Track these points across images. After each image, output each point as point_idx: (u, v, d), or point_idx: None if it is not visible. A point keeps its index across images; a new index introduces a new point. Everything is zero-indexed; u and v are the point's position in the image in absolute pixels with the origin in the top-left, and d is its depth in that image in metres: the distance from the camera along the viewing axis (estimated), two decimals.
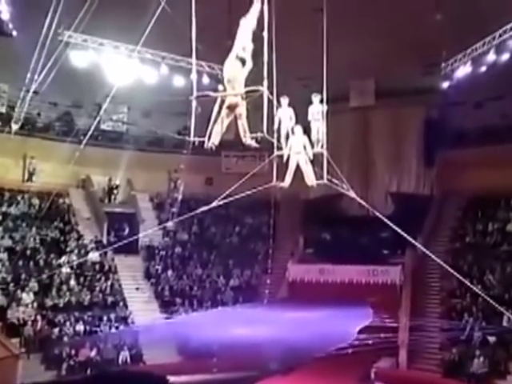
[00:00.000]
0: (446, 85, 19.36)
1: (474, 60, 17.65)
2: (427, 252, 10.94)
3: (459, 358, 17.37)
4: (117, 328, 18.87)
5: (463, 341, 17.72)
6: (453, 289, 19.25)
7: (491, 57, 16.99)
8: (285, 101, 9.95)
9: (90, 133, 16.47)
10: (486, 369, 16.53)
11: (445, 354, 17.85)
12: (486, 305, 15.89)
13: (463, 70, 18.17)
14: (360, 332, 17.89)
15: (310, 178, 9.85)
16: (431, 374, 17.71)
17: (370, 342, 17.84)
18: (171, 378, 15.80)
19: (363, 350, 17.54)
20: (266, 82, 6.87)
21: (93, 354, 17.56)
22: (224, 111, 6.89)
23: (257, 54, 7.01)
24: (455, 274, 10.85)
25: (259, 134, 7.10)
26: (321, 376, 16.71)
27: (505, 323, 16.94)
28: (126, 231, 22.32)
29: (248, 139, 6.91)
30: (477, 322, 17.78)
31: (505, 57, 16.73)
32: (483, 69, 17.54)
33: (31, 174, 21.77)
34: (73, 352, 17.24)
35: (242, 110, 6.81)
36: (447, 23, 15.52)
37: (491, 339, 17.21)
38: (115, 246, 16.60)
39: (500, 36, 16.44)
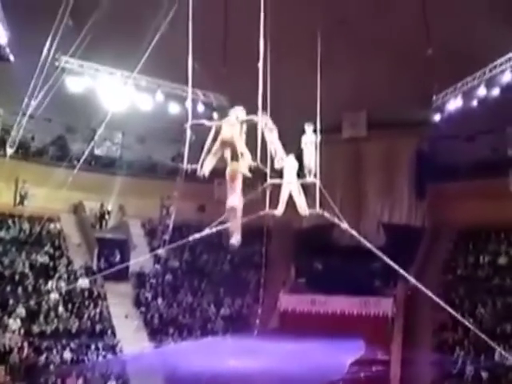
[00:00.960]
0: (437, 118, 19.63)
1: (465, 94, 17.95)
2: (418, 285, 10.88)
3: None
4: (104, 357, 18.53)
5: (455, 375, 17.55)
6: (445, 322, 19.13)
7: (482, 91, 17.29)
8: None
9: (83, 158, 16.49)
10: None
11: None
12: (478, 339, 15.75)
13: (454, 104, 18.46)
14: (352, 365, 17.67)
15: (303, 208, 9.86)
16: None
17: (362, 375, 17.62)
18: None
19: (355, 383, 17.32)
20: (260, 112, 6.93)
21: (79, 382, 17.18)
22: (218, 142, 6.93)
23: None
24: (447, 307, 10.77)
25: (253, 163, 7.13)
26: None
27: (497, 358, 16.81)
28: (117, 257, 22.12)
29: (244, 169, 6.94)
30: (469, 356, 17.64)
31: (495, 91, 17.02)
32: (474, 103, 17.82)
33: (23, 198, 21.64)
34: (59, 381, 16.87)
35: (238, 143, 6.86)
36: (439, 57, 15.82)
37: (484, 374, 17.06)
38: (105, 272, 16.44)
39: (490, 71, 16.75)
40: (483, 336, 11.28)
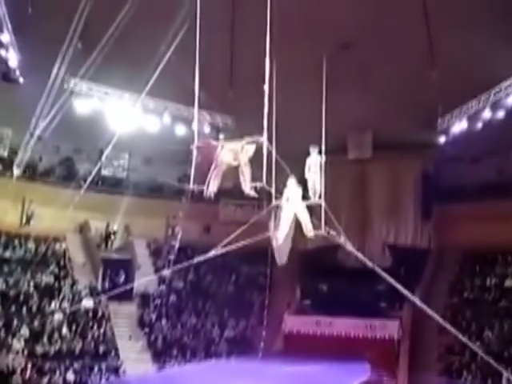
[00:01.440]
0: (442, 140, 19.69)
1: (470, 116, 18.03)
2: (425, 307, 10.82)
3: None
4: (108, 378, 18.38)
5: None
6: (451, 345, 18.92)
7: (487, 114, 17.37)
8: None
9: (90, 178, 16.60)
10: None
11: None
12: (485, 362, 15.56)
13: (459, 126, 18.53)
14: None
15: (308, 229, 9.87)
16: None
17: None
18: None
19: None
20: (265, 133, 7.00)
21: None
22: (221, 163, 6.99)
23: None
24: (453, 330, 10.69)
25: (258, 184, 7.18)
26: None
27: (504, 382, 16.57)
28: (122, 278, 22.10)
29: (248, 189, 6.99)
30: (476, 380, 17.40)
31: (500, 114, 17.10)
32: (479, 125, 17.89)
33: (29, 218, 21.74)
34: None
35: (242, 166, 6.93)
36: (443, 80, 15.94)
37: None
38: (110, 293, 16.41)
39: (495, 94, 16.85)
40: (490, 360, 11.16)
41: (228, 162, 6.85)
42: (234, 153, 6.91)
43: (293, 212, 9.82)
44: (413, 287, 14.92)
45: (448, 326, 10.67)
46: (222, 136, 19.23)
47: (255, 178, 7.38)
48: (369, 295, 21.26)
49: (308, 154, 10.85)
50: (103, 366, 18.73)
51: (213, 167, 6.91)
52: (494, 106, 17.07)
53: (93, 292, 21.16)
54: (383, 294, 20.11)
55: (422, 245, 22.99)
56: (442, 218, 22.30)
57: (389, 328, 20.26)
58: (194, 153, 7.46)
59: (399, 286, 9.36)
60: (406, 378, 18.83)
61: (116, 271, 22.37)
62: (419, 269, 21.66)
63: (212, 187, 6.91)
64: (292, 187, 9.84)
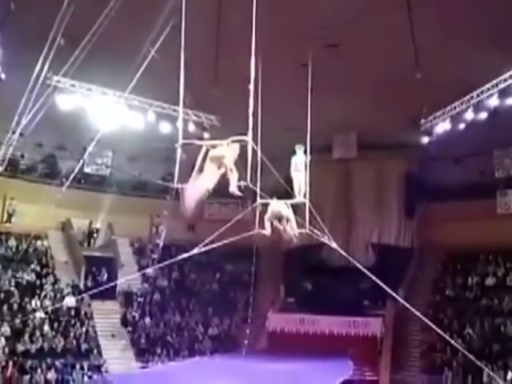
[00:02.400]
0: (426, 140, 19.87)
1: (453, 117, 18.21)
2: (407, 305, 10.94)
3: None
4: (90, 377, 18.26)
5: None
6: (433, 342, 19.15)
7: (469, 115, 17.56)
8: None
9: (72, 175, 16.44)
10: None
11: None
12: (467, 359, 15.78)
13: (442, 127, 18.71)
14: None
15: (293, 227, 9.91)
16: None
17: None
18: None
19: None
20: (250, 133, 6.99)
21: None
22: (208, 161, 6.95)
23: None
24: (435, 328, 10.82)
25: (243, 183, 7.17)
26: None
27: (485, 378, 16.82)
28: (105, 276, 21.97)
29: (233, 187, 6.96)
30: (457, 377, 17.63)
31: (483, 115, 17.30)
32: (462, 126, 18.09)
33: (10, 216, 21.50)
34: None
35: (227, 160, 6.88)
36: (427, 81, 16.09)
37: None
38: (92, 291, 16.28)
39: (478, 95, 17.05)
40: (471, 357, 11.33)
41: (217, 157, 6.79)
42: (219, 160, 6.86)
43: (277, 209, 9.84)
44: (396, 285, 15.06)
45: (430, 324, 10.79)
46: (206, 135, 19.18)
47: (240, 176, 7.36)
48: (352, 293, 21.42)
49: (293, 153, 10.89)
50: (85, 364, 18.61)
51: (197, 167, 6.86)
52: (477, 107, 17.26)
53: (75, 290, 21.00)
54: (366, 292, 20.27)
55: (405, 243, 23.22)
56: (425, 217, 22.55)
57: (372, 326, 20.43)
58: (179, 151, 7.42)
59: (382, 284, 9.43)
60: (388, 374, 18.98)
61: (99, 269, 22.22)
62: (402, 267, 21.87)
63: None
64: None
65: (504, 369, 16.91)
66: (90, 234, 23.49)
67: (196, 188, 6.73)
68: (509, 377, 16.42)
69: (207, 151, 6.87)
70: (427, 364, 19.12)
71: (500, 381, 15.43)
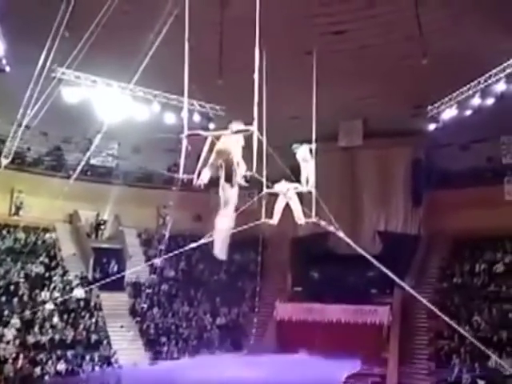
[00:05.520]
0: (432, 127, 19.74)
1: (460, 103, 18.07)
2: (414, 293, 10.91)
3: None
4: (100, 367, 18.42)
5: (452, 383, 17.54)
6: (441, 330, 19.15)
7: (476, 101, 17.41)
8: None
9: (79, 167, 16.48)
10: None
11: None
12: (474, 346, 15.77)
13: (449, 113, 18.58)
14: (348, 377, 17.67)
15: (299, 217, 9.90)
16: None
17: None
18: None
19: None
20: (256, 122, 6.95)
21: None
22: (214, 152, 6.95)
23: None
24: (442, 315, 10.80)
25: (249, 173, 7.15)
26: None
27: (493, 365, 16.82)
28: (113, 267, 22.08)
29: (238, 178, 6.96)
30: (465, 364, 17.65)
31: (490, 101, 17.15)
32: (469, 112, 17.95)
33: (18, 208, 21.61)
34: None
35: (234, 153, 6.87)
36: (434, 68, 15.94)
37: (480, 382, 17.05)
38: (101, 282, 16.36)
39: (485, 81, 16.90)
40: (479, 344, 11.31)
41: (223, 149, 6.79)
42: (225, 155, 6.85)
43: (284, 199, 9.85)
44: (403, 273, 15.02)
45: (437, 311, 10.77)
46: (212, 125, 19.15)
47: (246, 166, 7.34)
48: (359, 281, 21.43)
49: (298, 142, 10.86)
50: (95, 355, 18.77)
51: (203, 157, 6.85)
52: (484, 93, 17.12)
53: (83, 282, 21.13)
54: (373, 280, 20.26)
55: (412, 231, 23.13)
56: (432, 205, 22.43)
57: (379, 314, 20.45)
58: (184, 142, 7.40)
59: (389, 272, 9.41)
60: (396, 362, 19.04)
61: (107, 261, 22.34)
62: (409, 255, 21.83)
63: (202, 177, 6.87)
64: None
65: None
66: (98, 226, 23.58)
67: (220, 231, 6.86)
68: None
69: (213, 142, 6.85)
70: (434, 352, 19.14)
71: (508, 368, 15.40)
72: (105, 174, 23.98)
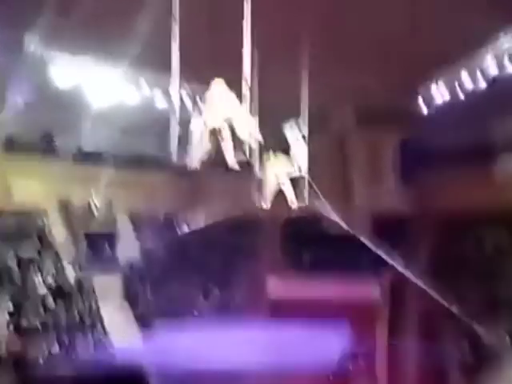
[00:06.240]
0: (423, 107, 19.79)
1: (451, 83, 18.10)
2: (404, 272, 11.10)
3: (438, 379, 17.51)
4: (94, 350, 18.54)
5: (441, 361, 17.86)
6: (431, 309, 19.37)
7: (467, 80, 17.45)
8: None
9: (70, 152, 16.40)
10: None
11: (423, 374, 17.97)
12: (465, 325, 16.09)
13: (440, 93, 18.61)
14: (340, 358, 17.99)
15: (292, 201, 9.99)
16: None
17: (350, 367, 17.95)
18: None
19: (343, 373, 17.64)
20: (247, 104, 6.98)
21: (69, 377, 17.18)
22: (206, 133, 6.97)
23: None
24: (433, 293, 11.01)
25: (242, 157, 7.19)
26: None
27: (482, 343, 17.13)
28: (105, 251, 22.10)
29: (231, 161, 7.00)
30: (455, 342, 17.96)
31: (480, 81, 17.19)
32: (460, 92, 18.00)
33: (9, 194, 21.45)
34: (48, 375, 16.86)
35: (225, 133, 6.90)
36: (424, 48, 15.94)
37: (470, 359, 17.41)
38: (93, 266, 16.44)
39: (476, 61, 16.91)
40: (469, 322, 11.54)
41: (215, 127, 6.82)
42: (217, 134, 6.87)
43: (276, 182, 9.92)
44: (393, 253, 15.24)
45: (427, 290, 10.99)
46: (202, 106, 19.05)
47: (237, 149, 7.37)
48: (351, 261, 21.62)
49: (289, 124, 10.88)
50: (89, 338, 18.86)
51: (195, 138, 6.87)
52: (473, 73, 17.16)
53: (76, 266, 21.14)
54: (365, 259, 20.44)
55: (403, 211, 23.34)
56: (422, 185, 22.66)
57: (370, 293, 20.73)
58: (174, 124, 7.42)
59: (380, 252, 9.56)
60: (385, 341, 19.36)
61: (99, 245, 22.32)
62: (400, 235, 22.03)
63: (196, 157, 6.90)
64: (277, 159, 9.92)
65: (501, 333, 17.20)
66: (89, 211, 23.50)
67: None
68: (506, 340, 16.72)
69: (204, 124, 6.88)
70: (425, 330, 19.44)
71: (498, 345, 15.72)
72: (96, 158, 23.76)
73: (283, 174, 9.89)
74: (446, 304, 12.44)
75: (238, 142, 7.26)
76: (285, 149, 10.66)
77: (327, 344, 17.05)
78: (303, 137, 10.64)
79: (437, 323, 18.99)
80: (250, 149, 7.39)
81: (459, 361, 17.63)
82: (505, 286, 19.20)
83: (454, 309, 13.11)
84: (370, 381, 18.76)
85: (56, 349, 17.90)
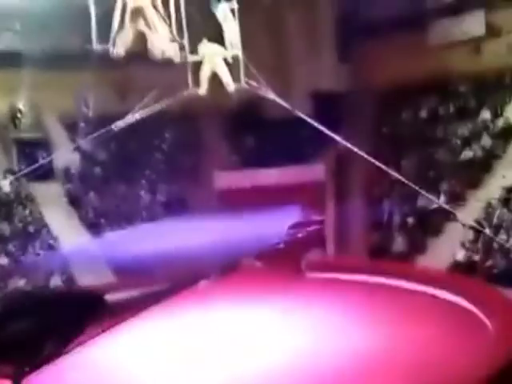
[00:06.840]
0: None
1: None
2: (348, 145, 11.20)
3: (381, 241, 18.71)
4: (43, 255, 18.37)
5: (384, 225, 19.00)
6: (373, 178, 20.11)
7: None
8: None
9: None
10: (406, 248, 17.95)
11: (368, 239, 19.07)
12: (404, 188, 16.87)
13: None
14: (289, 228, 18.79)
15: (228, 82, 9.55)
16: (357, 257, 18.93)
17: (300, 235, 18.83)
18: (108, 297, 15.77)
19: (293, 245, 18.47)
20: None
21: (22, 283, 17.09)
22: (128, 15, 6.27)
23: None
24: (374, 161, 11.27)
25: (171, 42, 6.60)
26: (256, 274, 17.47)
27: (419, 203, 18.18)
28: (38, 156, 21.08)
29: (157, 50, 6.41)
30: (396, 206, 19.00)
31: None
32: None
33: None
34: (1, 284, 16.74)
35: (149, 14, 6.20)
36: None
37: (409, 220, 18.56)
38: (27, 171, 15.74)
39: None
40: (409, 183, 12.05)
41: (139, 6, 6.10)
42: (140, 14, 6.16)
43: (209, 66, 9.39)
44: (336, 129, 15.23)
45: (370, 159, 11.24)
46: None
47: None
48: (294, 143, 21.77)
49: (220, 2, 10.11)
50: (36, 244, 18.60)
51: (116, 20, 6.18)
52: None
53: (9, 174, 20.24)
54: (307, 140, 20.60)
55: (343, 87, 23.25)
56: (360, 59, 22.48)
57: (315, 172, 21.29)
58: (92, 9, 6.65)
59: (323, 129, 9.47)
60: (333, 212, 20.26)
61: (31, 151, 21.29)
62: (340, 112, 22.15)
63: (120, 43, 6.25)
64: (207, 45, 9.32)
65: (437, 193, 18.18)
66: (14, 116, 22.06)
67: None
68: (441, 200, 17.72)
69: (125, 2, 6.16)
70: (368, 199, 20.36)
71: (436, 201, 16.64)
72: (12, 58, 21.80)
73: (216, 54, 9.30)
74: (387, 171, 12.76)
75: (164, 23, 6.62)
76: (214, 26, 9.94)
77: (276, 220, 17.68)
78: (232, 11, 9.89)
79: (380, 189, 19.92)
80: (180, 29, 6.79)
81: (399, 223, 18.78)
82: (441, 150, 20.00)
83: (396, 174, 13.59)
84: (319, 243, 19.87)
85: (4, 259, 17.63)
